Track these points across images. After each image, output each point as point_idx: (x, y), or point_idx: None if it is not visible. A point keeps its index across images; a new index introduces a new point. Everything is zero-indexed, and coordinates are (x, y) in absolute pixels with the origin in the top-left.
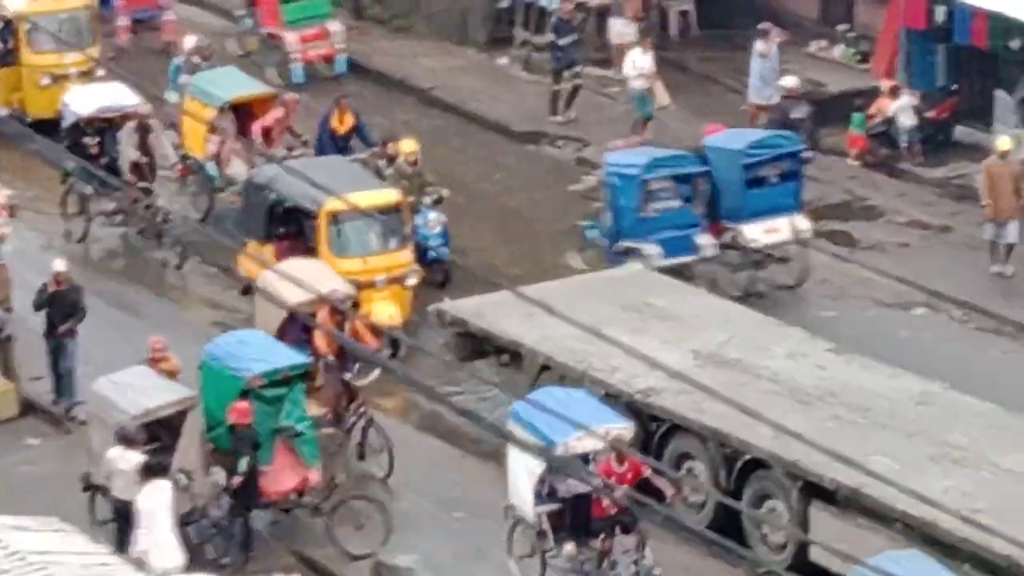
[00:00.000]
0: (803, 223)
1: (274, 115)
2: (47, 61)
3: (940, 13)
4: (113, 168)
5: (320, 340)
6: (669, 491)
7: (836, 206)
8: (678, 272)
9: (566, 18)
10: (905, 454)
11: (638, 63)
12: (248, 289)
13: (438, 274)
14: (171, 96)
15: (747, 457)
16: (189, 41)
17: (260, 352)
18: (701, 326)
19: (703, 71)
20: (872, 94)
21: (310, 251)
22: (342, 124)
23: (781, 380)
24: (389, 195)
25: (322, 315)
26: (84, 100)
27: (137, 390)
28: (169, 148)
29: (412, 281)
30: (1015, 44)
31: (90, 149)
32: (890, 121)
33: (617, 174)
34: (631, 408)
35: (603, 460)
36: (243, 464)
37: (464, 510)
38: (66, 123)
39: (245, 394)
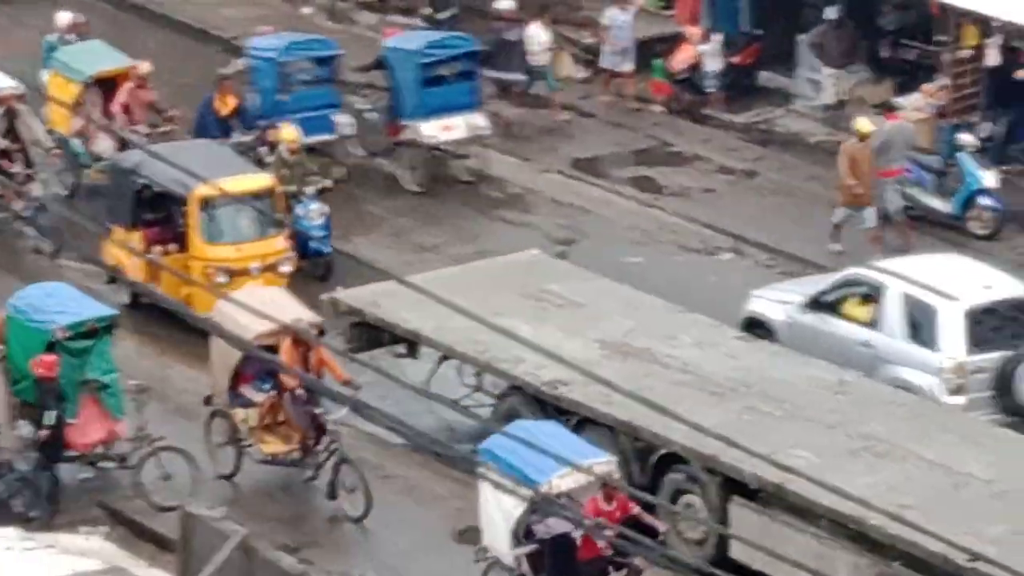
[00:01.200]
0: (480, 120)
1: (126, 89)
2: None
3: None
4: None
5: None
6: (662, 527)
7: (641, 152)
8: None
9: None
10: (826, 447)
11: (540, 39)
12: (114, 278)
13: (319, 267)
14: (45, 74)
15: (663, 451)
16: (63, 17)
17: (65, 304)
18: (603, 314)
19: None
20: (675, 40)
21: (180, 237)
22: (225, 106)
23: (691, 370)
24: (261, 180)
25: (285, 347)
26: None
27: None
28: (42, 133)
29: (287, 268)
30: None
31: None
32: (695, 67)
33: (258, 57)
34: (538, 401)
35: (590, 498)
36: (49, 417)
37: None
38: None
39: (51, 346)
